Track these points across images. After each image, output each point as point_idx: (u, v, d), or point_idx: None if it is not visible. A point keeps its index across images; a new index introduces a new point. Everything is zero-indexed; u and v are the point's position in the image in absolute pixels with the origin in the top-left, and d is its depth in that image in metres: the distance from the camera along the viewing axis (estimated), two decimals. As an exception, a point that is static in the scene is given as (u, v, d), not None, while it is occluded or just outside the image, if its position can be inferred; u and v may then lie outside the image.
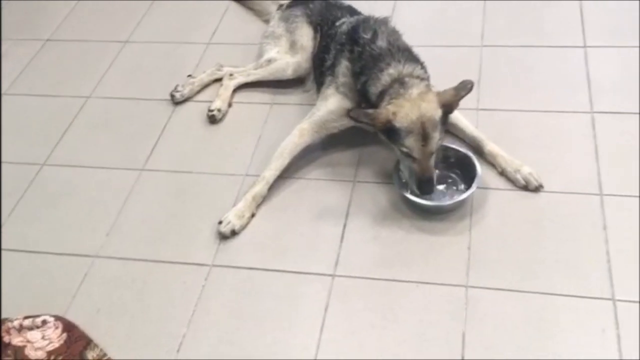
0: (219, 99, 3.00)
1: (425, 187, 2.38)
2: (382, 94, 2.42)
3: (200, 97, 3.10)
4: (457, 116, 2.64)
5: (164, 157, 2.83)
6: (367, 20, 2.66)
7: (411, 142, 2.31)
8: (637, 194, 2.40)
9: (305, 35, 3.01)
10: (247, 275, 2.33)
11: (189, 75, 3.14)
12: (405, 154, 2.36)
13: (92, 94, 3.19)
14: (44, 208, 2.68)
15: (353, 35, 2.61)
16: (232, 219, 2.47)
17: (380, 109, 2.36)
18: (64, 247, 2.50)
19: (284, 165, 2.60)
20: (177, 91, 3.07)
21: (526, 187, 2.47)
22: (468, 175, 2.50)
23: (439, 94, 2.37)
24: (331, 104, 2.62)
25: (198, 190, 2.67)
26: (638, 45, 3.01)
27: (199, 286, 2.31)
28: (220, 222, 2.47)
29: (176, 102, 3.07)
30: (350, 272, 2.30)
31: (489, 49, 3.12)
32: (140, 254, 2.45)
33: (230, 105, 3.02)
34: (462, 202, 2.43)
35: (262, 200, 2.56)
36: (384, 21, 2.66)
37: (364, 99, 2.52)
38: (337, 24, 2.87)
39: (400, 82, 2.39)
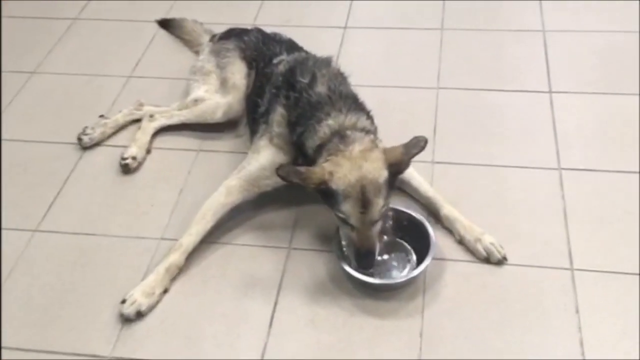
0: (135, 144, 2.57)
1: (364, 261, 2.00)
2: (319, 149, 2.05)
3: (113, 140, 2.67)
4: (409, 172, 2.28)
5: (64, 216, 2.38)
6: (305, 61, 2.29)
7: (349, 209, 1.94)
8: (612, 270, 2.08)
9: (238, 73, 2.62)
10: (153, 372, 1.92)
11: (102, 116, 2.71)
12: (342, 221, 1.99)
13: (-14, 134, 2.74)
14: None
15: (289, 79, 2.24)
16: (139, 298, 2.04)
17: (315, 166, 1.99)
18: None
19: (206, 229, 2.19)
20: (86, 134, 2.63)
21: (488, 260, 2.12)
22: (420, 242, 2.14)
23: (385, 151, 2.01)
24: (264, 158, 2.23)
25: (102, 257, 2.22)
26: (606, 91, 2.73)
27: (92, 391, 1.88)
28: (123, 301, 2.03)
29: (84, 147, 2.62)
30: (283, 371, 1.91)
31: (446, 92, 2.79)
32: (22, 342, 1.98)
33: (148, 151, 2.60)
34: (414, 278, 2.07)
35: (179, 272, 2.14)
36: (326, 62, 2.30)
37: (300, 153, 2.15)
38: (275, 61, 2.49)
39: (340, 135, 2.02)
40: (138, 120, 2.70)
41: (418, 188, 2.29)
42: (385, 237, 2.16)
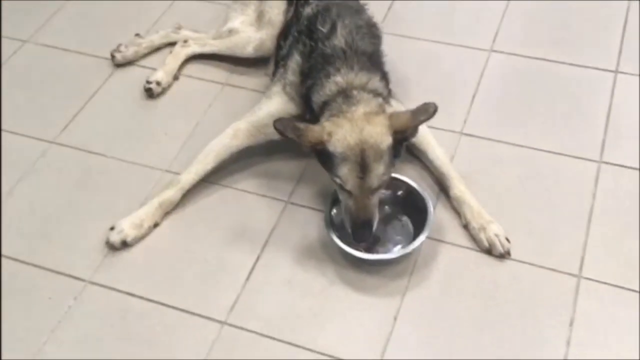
0: (162, 69, 2.52)
1: (359, 232, 1.89)
2: (324, 106, 1.93)
3: (147, 61, 2.63)
4: (428, 141, 2.14)
5: (82, 131, 2.40)
6: (331, 7, 2.11)
7: (346, 173, 1.82)
8: (622, 285, 1.88)
9: (276, 7, 2.47)
10: (124, 303, 1.92)
11: (137, 35, 2.66)
12: (340, 186, 1.88)
13: (31, 39, 2.76)
14: None
15: (311, 25, 2.09)
16: (126, 228, 2.04)
17: (316, 124, 1.87)
18: None
19: (207, 169, 2.15)
20: (119, 51, 2.60)
21: (489, 251, 1.97)
22: (419, 217, 1.99)
23: (392, 116, 1.86)
24: (273, 105, 2.13)
25: (106, 180, 2.24)
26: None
27: (64, 306, 1.91)
28: (112, 228, 2.05)
29: (116, 64, 2.61)
30: (245, 323, 1.86)
31: (498, 56, 2.55)
32: (14, 250, 2.05)
33: (176, 78, 2.55)
34: (404, 255, 1.95)
35: (173, 207, 2.12)
36: (355, 10, 2.13)
37: (308, 107, 2.03)
38: (311, 0, 2.34)
39: (345, 94, 1.89)
40: (174, 44, 2.64)
41: (433, 161, 2.13)
42: (386, 208, 2.05)
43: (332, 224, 1.97)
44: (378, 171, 1.82)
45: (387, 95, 1.98)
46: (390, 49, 2.53)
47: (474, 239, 1.99)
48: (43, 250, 2.06)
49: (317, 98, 1.95)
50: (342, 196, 1.92)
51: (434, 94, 2.36)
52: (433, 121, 2.24)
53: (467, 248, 1.99)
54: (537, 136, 2.26)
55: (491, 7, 2.74)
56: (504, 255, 1.95)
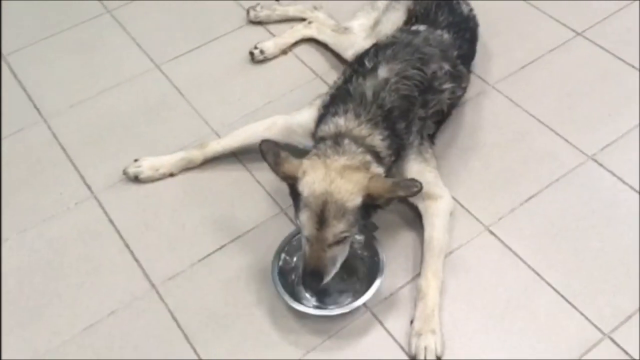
0: (274, 40, 2.62)
1: (308, 280, 1.82)
2: (319, 141, 1.88)
3: (277, 26, 2.73)
4: (434, 222, 1.98)
5: (184, 67, 2.63)
6: (392, 44, 2.00)
7: (304, 219, 1.77)
8: None
9: (391, 23, 2.37)
10: (101, 228, 2.14)
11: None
12: (299, 227, 1.84)
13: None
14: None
15: (365, 54, 1.99)
16: (144, 166, 2.24)
17: (296, 159, 1.83)
18: None
19: (232, 147, 2.25)
20: (255, 10, 2.74)
21: (413, 359, 1.79)
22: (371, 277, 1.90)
23: (372, 178, 1.74)
24: (305, 116, 2.11)
25: (168, 115, 2.46)
26: None
27: (64, 206, 2.20)
28: (135, 160, 2.26)
29: (249, 20, 2.76)
30: (167, 299, 1.96)
31: (592, 165, 2.17)
32: (66, 140, 2.37)
33: (285, 52, 2.63)
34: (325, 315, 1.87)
35: (192, 167, 2.26)
36: (420, 57, 1.98)
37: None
38: (413, 28, 2.21)
39: (337, 140, 1.81)
40: (305, 19, 2.70)
41: (426, 242, 1.95)
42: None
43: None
44: (336, 228, 1.74)
45: (387, 155, 1.85)
46: (493, 108, 2.37)
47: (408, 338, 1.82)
48: (82, 152, 2.35)
49: (318, 131, 1.91)
50: (302, 238, 1.87)
51: (496, 173, 2.22)
52: (469, 203, 2.10)
53: (396, 343, 1.83)
54: (563, 273, 1.92)
55: (618, 118, 2.31)
56: (425, 371, 1.76)
